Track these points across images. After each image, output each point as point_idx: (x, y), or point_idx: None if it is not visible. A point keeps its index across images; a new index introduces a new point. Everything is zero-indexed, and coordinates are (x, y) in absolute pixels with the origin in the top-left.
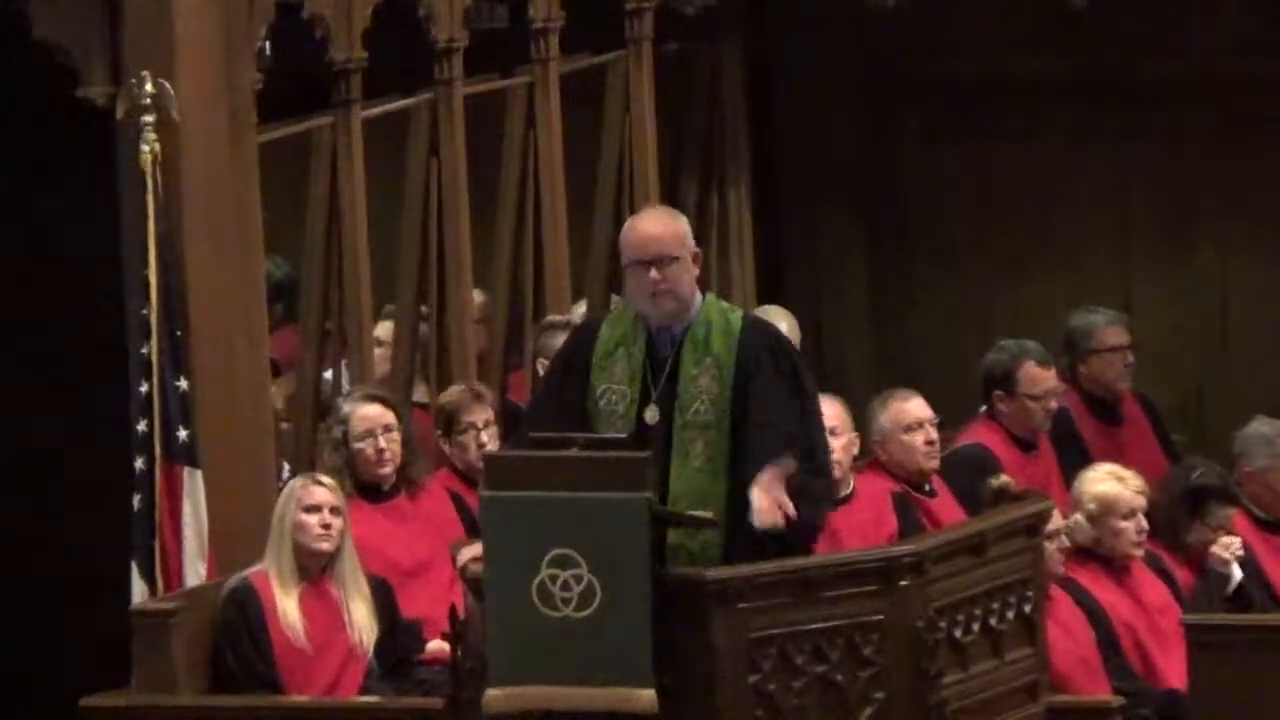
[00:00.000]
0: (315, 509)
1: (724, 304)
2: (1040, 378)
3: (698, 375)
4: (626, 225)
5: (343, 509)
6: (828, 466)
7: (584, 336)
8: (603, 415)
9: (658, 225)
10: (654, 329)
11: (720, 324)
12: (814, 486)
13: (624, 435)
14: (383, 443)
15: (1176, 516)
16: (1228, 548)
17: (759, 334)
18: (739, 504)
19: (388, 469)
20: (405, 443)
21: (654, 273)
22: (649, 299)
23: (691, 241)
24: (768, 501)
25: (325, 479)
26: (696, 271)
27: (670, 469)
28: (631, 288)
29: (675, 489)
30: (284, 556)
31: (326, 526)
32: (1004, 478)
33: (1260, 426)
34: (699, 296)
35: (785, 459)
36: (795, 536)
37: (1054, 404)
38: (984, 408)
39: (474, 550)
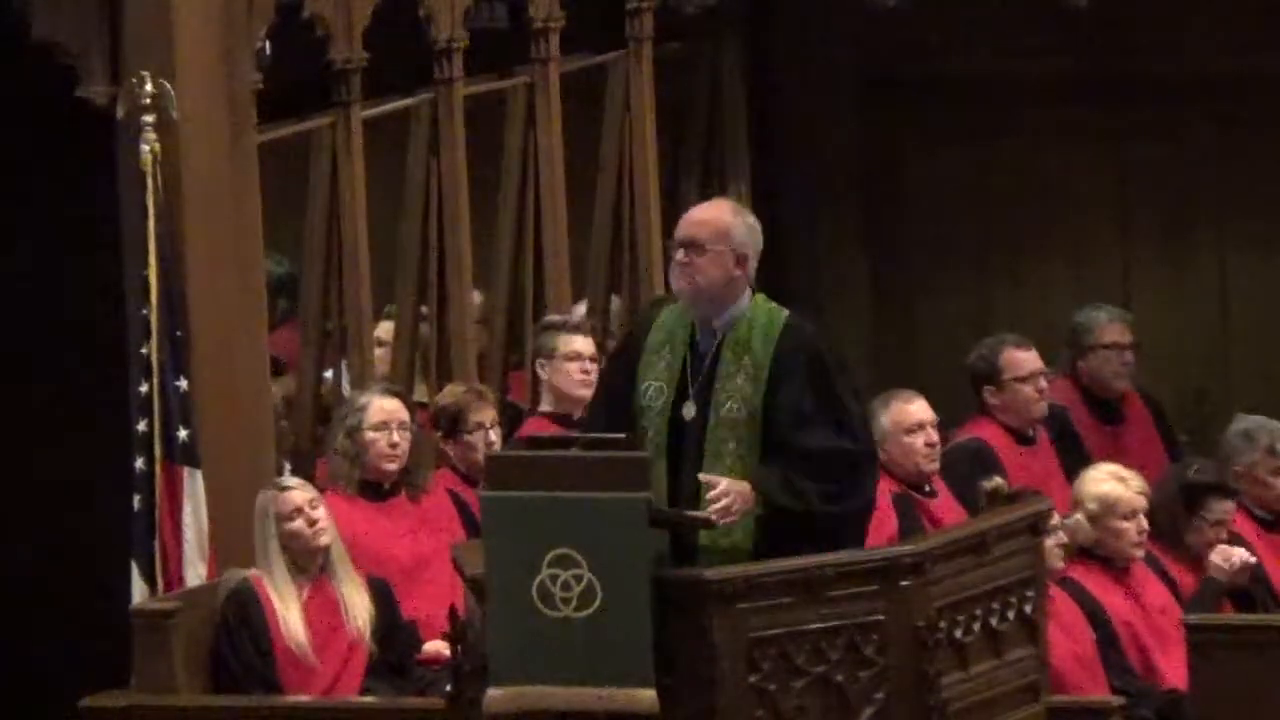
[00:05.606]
0: (297, 513)
1: (771, 305)
2: (1021, 359)
3: (735, 374)
4: None
5: (319, 500)
6: (856, 481)
7: (638, 328)
8: (643, 410)
9: (703, 213)
10: (699, 325)
11: (763, 324)
12: (805, 485)
13: (623, 435)
14: (396, 438)
15: (1176, 514)
16: (1229, 557)
17: (797, 336)
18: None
19: (394, 465)
20: (413, 447)
21: (681, 254)
22: (674, 276)
23: (739, 242)
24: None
25: (290, 480)
26: (739, 273)
27: (703, 467)
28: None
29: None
30: (275, 569)
31: (313, 523)
32: (998, 480)
33: (1238, 424)
34: (746, 296)
35: (768, 482)
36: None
37: (1044, 384)
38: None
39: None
